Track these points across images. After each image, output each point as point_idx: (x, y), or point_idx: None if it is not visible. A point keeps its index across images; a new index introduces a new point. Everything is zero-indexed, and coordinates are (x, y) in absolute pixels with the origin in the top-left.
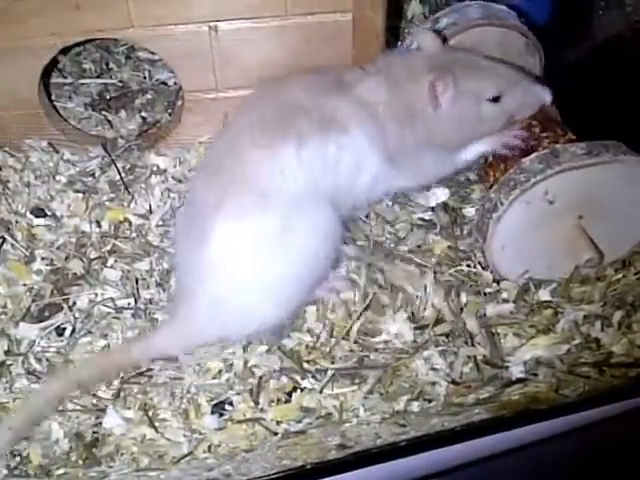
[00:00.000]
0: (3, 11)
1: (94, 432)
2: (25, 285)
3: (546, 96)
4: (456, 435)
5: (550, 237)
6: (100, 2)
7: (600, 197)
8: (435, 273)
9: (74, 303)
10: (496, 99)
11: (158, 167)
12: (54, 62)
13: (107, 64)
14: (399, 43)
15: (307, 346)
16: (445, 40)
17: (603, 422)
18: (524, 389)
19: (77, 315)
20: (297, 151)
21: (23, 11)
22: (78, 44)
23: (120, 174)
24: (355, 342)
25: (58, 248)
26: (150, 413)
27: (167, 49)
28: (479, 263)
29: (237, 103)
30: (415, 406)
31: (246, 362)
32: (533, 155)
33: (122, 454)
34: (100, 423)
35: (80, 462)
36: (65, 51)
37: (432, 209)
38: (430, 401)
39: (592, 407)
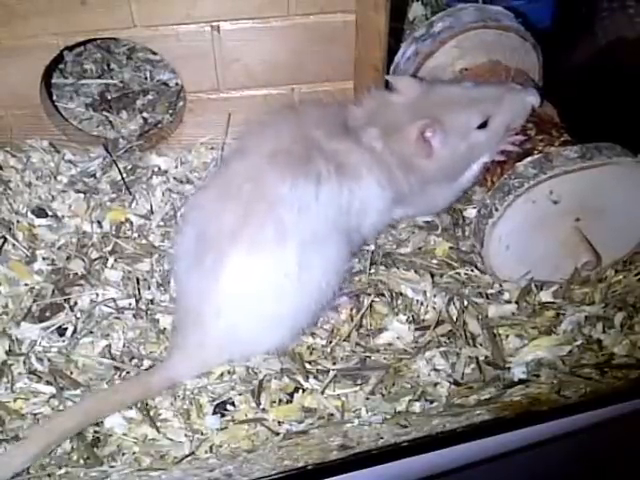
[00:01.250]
0: (7, 9)
1: (95, 432)
2: (26, 285)
3: (534, 99)
4: (458, 436)
5: (548, 240)
6: (103, 2)
7: (597, 199)
8: (435, 275)
9: (75, 303)
10: (484, 124)
11: (159, 168)
12: (56, 62)
13: (108, 65)
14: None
15: (308, 347)
16: (420, 79)
17: (605, 423)
18: (526, 390)
19: (78, 315)
20: (315, 192)
21: (26, 10)
22: (79, 44)
23: (121, 174)
24: (357, 344)
25: (59, 248)
26: (151, 413)
27: (169, 49)
28: (481, 264)
29: (239, 103)
30: (417, 407)
31: (247, 367)
32: (527, 160)
33: (124, 454)
34: (101, 423)
35: (81, 462)
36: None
37: None
38: (432, 402)
39: (593, 408)
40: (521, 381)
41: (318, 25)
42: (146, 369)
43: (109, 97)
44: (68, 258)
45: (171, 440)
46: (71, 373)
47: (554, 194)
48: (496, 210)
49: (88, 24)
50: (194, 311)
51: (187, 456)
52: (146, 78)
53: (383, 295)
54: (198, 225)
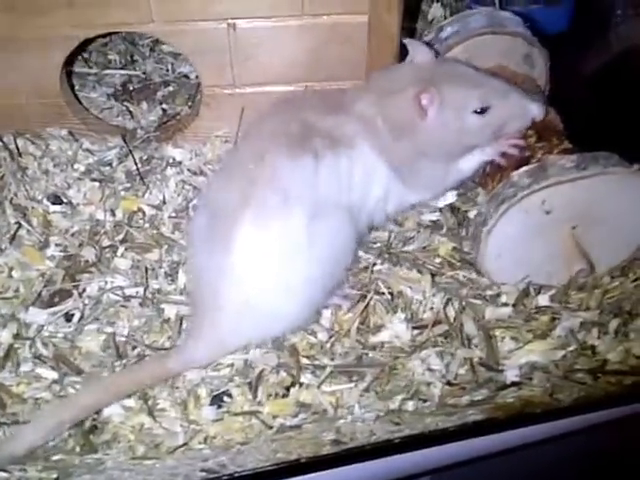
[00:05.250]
0: (29, 0)
1: (93, 419)
2: (38, 270)
3: (537, 111)
4: (450, 435)
5: (544, 248)
6: None
7: (593, 207)
8: (436, 275)
9: (84, 290)
10: (482, 111)
11: (174, 159)
12: (77, 53)
13: (132, 56)
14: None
15: (308, 343)
16: (437, 53)
17: (598, 427)
18: (519, 392)
19: (86, 302)
20: (314, 167)
21: (48, 1)
22: (102, 36)
23: (136, 164)
24: (356, 341)
25: (72, 235)
26: (150, 402)
27: (186, 44)
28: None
29: (254, 99)
30: (410, 405)
31: (245, 360)
32: (522, 169)
33: (119, 442)
34: (100, 410)
35: (77, 449)
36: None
37: (440, 210)
38: (425, 401)
39: (586, 412)
40: (514, 384)
41: (332, 25)
42: (147, 356)
43: (131, 88)
44: (80, 245)
45: (166, 430)
46: (74, 359)
47: (546, 204)
48: (491, 218)
49: (108, 18)
50: (209, 291)
51: (180, 446)
52: (168, 70)
53: (384, 293)
54: (208, 206)
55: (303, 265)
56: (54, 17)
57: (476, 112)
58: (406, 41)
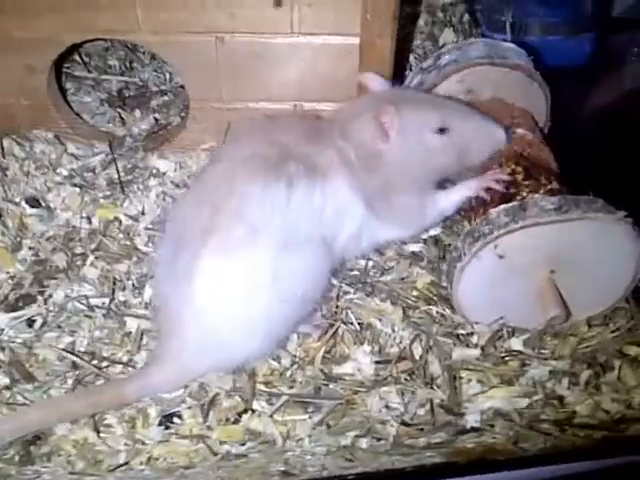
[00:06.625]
0: (19, 2)
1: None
2: (7, 273)
3: (501, 137)
4: (406, 475)
5: (519, 289)
6: (111, 3)
7: (572, 252)
8: (410, 309)
9: (50, 296)
10: (442, 131)
11: (158, 170)
12: (68, 56)
13: (131, 62)
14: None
15: (269, 368)
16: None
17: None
18: (480, 438)
19: (50, 308)
20: (287, 193)
21: (39, 4)
22: (104, 41)
23: (118, 172)
24: (320, 370)
25: (47, 240)
26: (97, 417)
27: (173, 56)
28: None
29: (241, 115)
30: (363, 442)
31: (201, 383)
32: (501, 207)
33: (59, 455)
34: None
35: (16, 459)
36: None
37: (424, 241)
38: (379, 439)
39: (550, 464)
40: (474, 429)
41: (322, 46)
42: (103, 368)
43: (126, 95)
44: (53, 250)
45: (109, 447)
46: (30, 366)
47: (499, 248)
48: (465, 255)
49: (96, 24)
50: (171, 318)
51: (121, 466)
52: (165, 79)
53: (352, 323)
54: (174, 232)
55: (267, 297)
56: (43, 20)
57: (436, 132)
58: (361, 75)
